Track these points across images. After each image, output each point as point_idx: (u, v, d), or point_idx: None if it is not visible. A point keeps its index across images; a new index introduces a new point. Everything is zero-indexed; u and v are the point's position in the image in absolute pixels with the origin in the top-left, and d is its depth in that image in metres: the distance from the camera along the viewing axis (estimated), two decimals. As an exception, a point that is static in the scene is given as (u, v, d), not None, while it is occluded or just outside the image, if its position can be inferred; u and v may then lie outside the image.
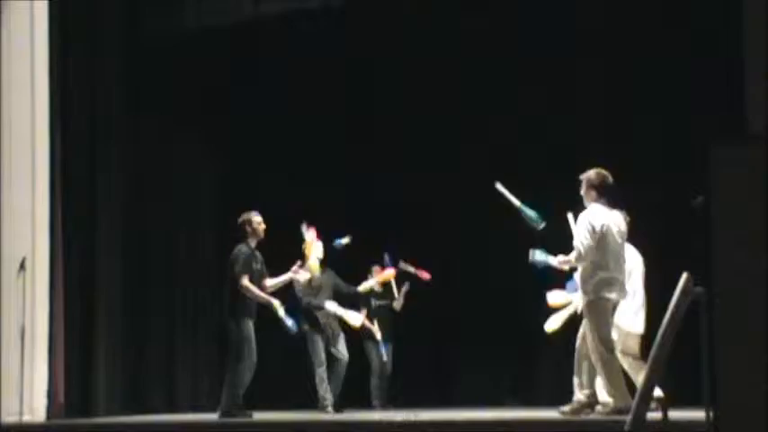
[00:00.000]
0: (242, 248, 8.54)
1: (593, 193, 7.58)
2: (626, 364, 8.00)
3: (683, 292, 4.39)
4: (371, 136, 11.36)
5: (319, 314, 9.36)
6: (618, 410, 7.09)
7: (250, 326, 8.42)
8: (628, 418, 4.29)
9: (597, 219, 7.44)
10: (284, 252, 9.38)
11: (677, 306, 4.38)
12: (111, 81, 10.22)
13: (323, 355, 9.29)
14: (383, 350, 10.47)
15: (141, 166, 10.56)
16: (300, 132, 11.17)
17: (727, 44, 7.90)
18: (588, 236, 7.39)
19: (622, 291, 7.54)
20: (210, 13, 10.28)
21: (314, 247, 9.10)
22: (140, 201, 10.58)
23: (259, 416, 8.68)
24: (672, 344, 4.27)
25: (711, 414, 3.93)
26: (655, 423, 4.77)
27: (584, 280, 7.47)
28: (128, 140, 10.36)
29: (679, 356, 4.70)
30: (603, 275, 7.42)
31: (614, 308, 7.50)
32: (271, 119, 11.12)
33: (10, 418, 8.72)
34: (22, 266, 8.98)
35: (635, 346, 8.08)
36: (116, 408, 9.73)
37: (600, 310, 7.40)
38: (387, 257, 9.85)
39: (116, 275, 10.10)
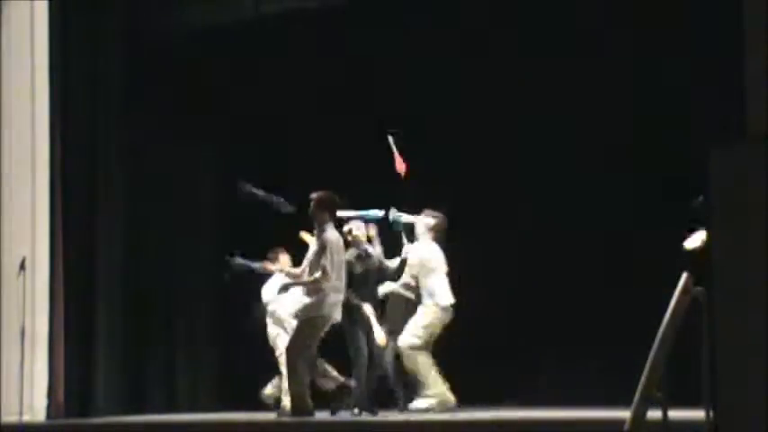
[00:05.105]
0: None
1: (326, 215, 8.25)
2: None
3: (683, 292, 4.39)
4: (372, 136, 11.33)
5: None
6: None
7: (354, 330, 8.37)
8: (627, 417, 4.28)
9: (332, 240, 8.08)
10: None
11: (677, 306, 4.38)
12: (112, 81, 10.23)
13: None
14: None
15: (141, 166, 10.56)
16: (300, 132, 11.16)
17: (727, 44, 7.88)
18: (328, 255, 7.98)
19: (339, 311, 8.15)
20: (211, 13, 10.28)
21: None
22: (140, 201, 10.58)
23: (258, 416, 8.67)
24: (672, 344, 4.26)
25: (711, 414, 3.93)
26: (654, 423, 4.77)
27: (318, 299, 7.98)
28: (128, 140, 10.36)
29: (679, 356, 4.70)
30: (335, 297, 8.06)
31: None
32: (271, 119, 11.11)
33: (10, 417, 8.73)
34: (22, 266, 8.99)
35: None
36: (116, 408, 9.73)
37: (316, 327, 8.01)
38: None
39: (116, 275, 10.10)
